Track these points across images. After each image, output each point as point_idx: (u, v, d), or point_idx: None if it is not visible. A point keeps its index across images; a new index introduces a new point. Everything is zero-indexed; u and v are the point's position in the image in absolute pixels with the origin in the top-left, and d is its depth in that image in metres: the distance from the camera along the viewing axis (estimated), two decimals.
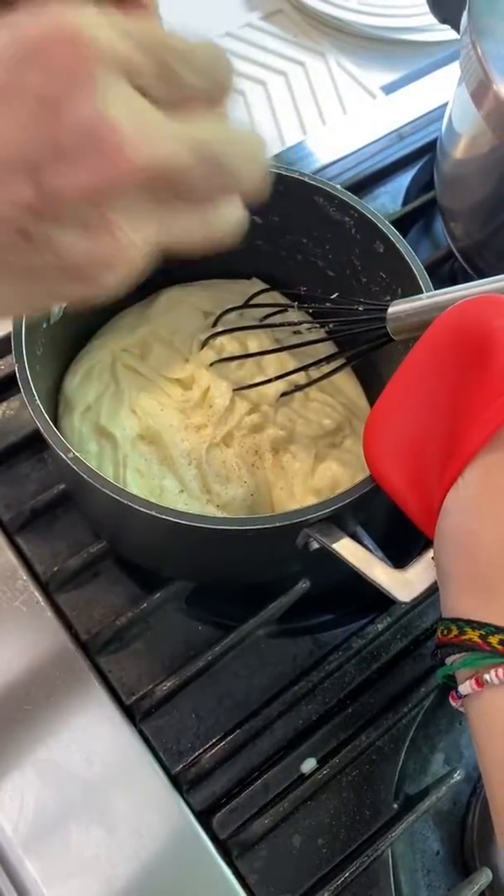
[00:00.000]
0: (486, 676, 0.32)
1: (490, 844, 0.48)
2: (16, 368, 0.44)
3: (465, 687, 0.33)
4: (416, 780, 0.51)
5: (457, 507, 0.35)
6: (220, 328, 0.57)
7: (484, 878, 0.46)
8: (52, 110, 0.23)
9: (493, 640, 0.32)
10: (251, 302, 0.58)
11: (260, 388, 0.54)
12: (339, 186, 0.52)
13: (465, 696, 0.34)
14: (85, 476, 0.41)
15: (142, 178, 0.24)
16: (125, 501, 0.40)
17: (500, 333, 0.35)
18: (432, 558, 0.39)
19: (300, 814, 0.49)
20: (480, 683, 0.33)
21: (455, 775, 0.50)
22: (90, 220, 0.24)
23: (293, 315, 0.58)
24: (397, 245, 0.50)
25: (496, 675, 0.32)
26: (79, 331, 0.57)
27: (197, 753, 0.50)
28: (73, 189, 0.24)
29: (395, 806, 0.50)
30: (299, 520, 0.41)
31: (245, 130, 0.27)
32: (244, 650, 0.53)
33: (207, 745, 0.50)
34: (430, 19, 0.62)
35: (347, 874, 0.46)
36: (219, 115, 0.27)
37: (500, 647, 0.32)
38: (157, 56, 0.25)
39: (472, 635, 0.33)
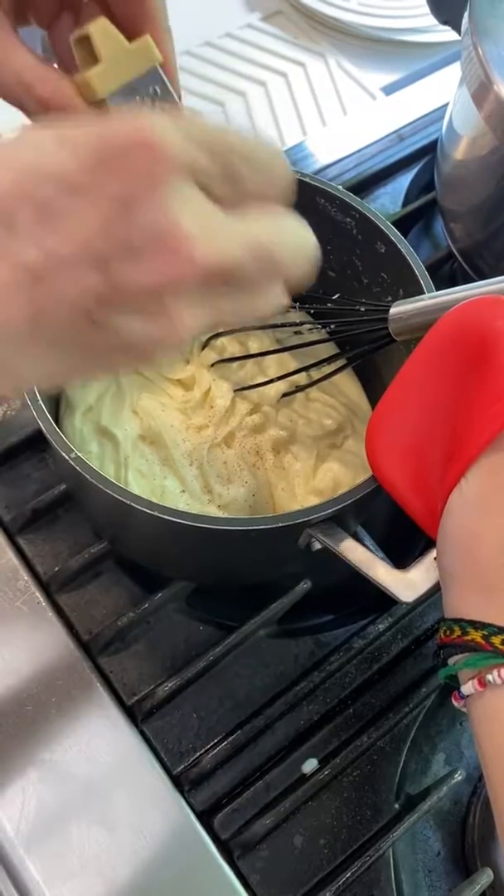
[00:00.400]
0: (489, 677, 0.32)
1: (491, 844, 0.48)
2: None
3: (467, 687, 0.33)
4: (417, 780, 0.51)
5: (460, 508, 0.35)
6: (220, 329, 0.57)
7: (485, 877, 0.47)
8: (126, 211, 0.25)
9: (496, 640, 0.32)
10: None
11: (261, 388, 0.54)
12: (340, 187, 0.52)
13: (468, 696, 0.34)
14: (87, 476, 0.41)
15: (203, 275, 0.26)
16: (127, 501, 0.40)
17: (500, 334, 0.35)
18: (435, 559, 0.39)
19: (301, 814, 0.49)
20: (483, 684, 0.33)
21: (456, 775, 0.50)
22: (151, 307, 0.26)
23: (294, 316, 0.58)
24: (399, 246, 0.50)
25: (499, 676, 0.32)
26: None
27: (198, 754, 0.50)
28: (139, 283, 0.25)
29: (397, 806, 0.50)
30: (302, 520, 0.41)
31: (295, 225, 0.30)
32: (245, 651, 0.53)
33: (209, 746, 0.50)
34: (431, 20, 0.62)
35: (349, 874, 0.46)
36: (272, 209, 0.30)
37: (502, 647, 0.32)
38: (222, 158, 0.27)
39: (475, 636, 0.33)
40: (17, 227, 0.24)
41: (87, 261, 0.25)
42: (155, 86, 0.37)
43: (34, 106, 0.36)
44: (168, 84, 0.37)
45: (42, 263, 0.24)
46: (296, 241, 0.30)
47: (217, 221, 0.27)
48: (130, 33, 0.36)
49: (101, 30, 0.35)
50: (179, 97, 0.38)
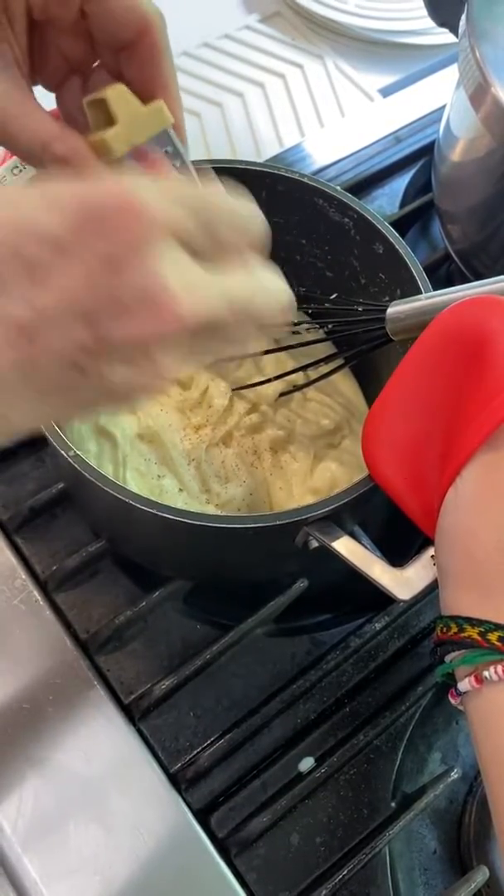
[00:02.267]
0: (486, 673, 0.32)
1: (487, 842, 0.49)
2: None
3: (464, 684, 0.34)
4: (414, 778, 0.51)
5: (456, 506, 0.35)
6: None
7: (481, 875, 0.47)
8: (112, 269, 0.26)
9: (493, 636, 0.32)
10: None
11: (259, 388, 0.55)
12: (338, 188, 0.53)
13: (465, 693, 0.34)
14: (86, 474, 0.41)
15: (187, 330, 0.27)
16: (125, 500, 0.41)
17: (495, 334, 0.36)
18: (431, 557, 0.40)
19: (298, 812, 0.49)
20: (480, 680, 0.33)
21: (452, 774, 0.50)
22: (136, 357, 0.27)
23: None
24: (396, 246, 0.50)
25: (495, 672, 0.32)
26: None
27: (195, 752, 0.50)
28: (125, 337, 0.27)
29: (393, 804, 0.50)
30: (299, 518, 0.42)
31: (270, 277, 0.32)
32: (242, 649, 0.53)
33: (206, 744, 0.50)
34: (428, 22, 0.63)
35: (345, 872, 0.46)
36: (248, 261, 0.31)
37: (499, 643, 0.32)
38: (203, 218, 0.29)
39: (472, 632, 0.33)
40: (7, 285, 0.25)
41: (76, 316, 0.26)
42: (167, 146, 0.39)
43: (52, 164, 0.37)
44: (178, 144, 0.40)
45: (32, 320, 0.25)
46: (270, 293, 0.31)
47: (198, 279, 0.28)
48: (143, 96, 0.38)
49: (118, 94, 0.37)
50: (188, 156, 0.41)
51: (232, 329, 0.30)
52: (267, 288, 0.32)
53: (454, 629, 0.34)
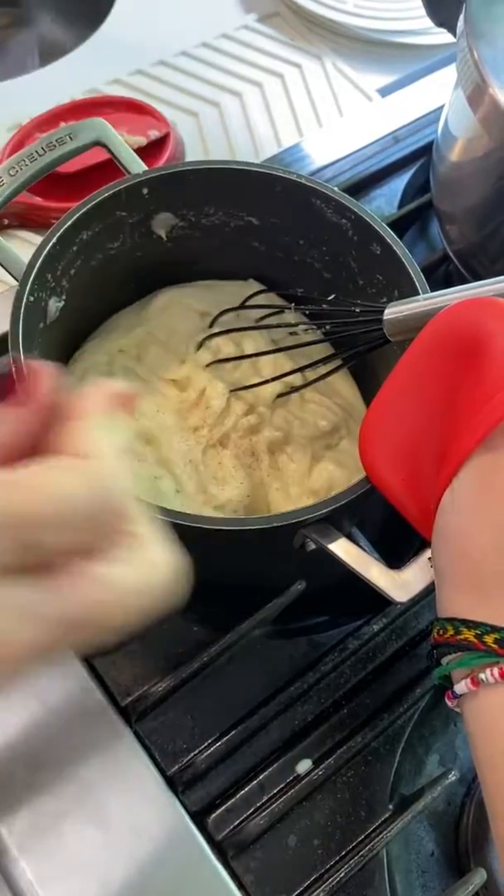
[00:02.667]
0: (482, 676, 0.32)
1: (485, 844, 0.49)
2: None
3: (460, 687, 0.34)
4: (411, 780, 0.51)
5: (452, 508, 0.35)
6: (216, 329, 0.57)
7: (478, 878, 0.47)
8: None
9: (489, 639, 0.32)
10: (248, 303, 0.58)
11: (256, 389, 0.55)
12: (336, 189, 0.52)
13: (461, 695, 0.34)
14: None
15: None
16: None
17: (492, 335, 0.36)
18: (429, 559, 0.40)
19: (295, 814, 0.49)
20: (476, 683, 0.33)
21: (450, 776, 0.50)
22: None
23: (290, 316, 0.58)
24: (394, 247, 0.50)
25: (492, 675, 0.32)
26: (75, 332, 0.57)
27: (192, 754, 0.50)
28: None
29: (390, 806, 0.50)
30: (296, 520, 0.41)
31: (128, 571, 0.25)
32: (240, 651, 0.53)
33: (203, 746, 0.50)
34: (427, 22, 0.62)
35: (342, 874, 0.46)
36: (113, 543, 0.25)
37: (495, 646, 0.32)
38: (12, 534, 0.23)
39: (468, 635, 0.33)
40: None
41: None
42: None
43: None
44: None
45: None
46: (123, 593, 0.25)
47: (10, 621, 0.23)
48: None
49: None
50: None
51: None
52: (115, 588, 0.25)
53: (450, 631, 0.33)
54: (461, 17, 0.54)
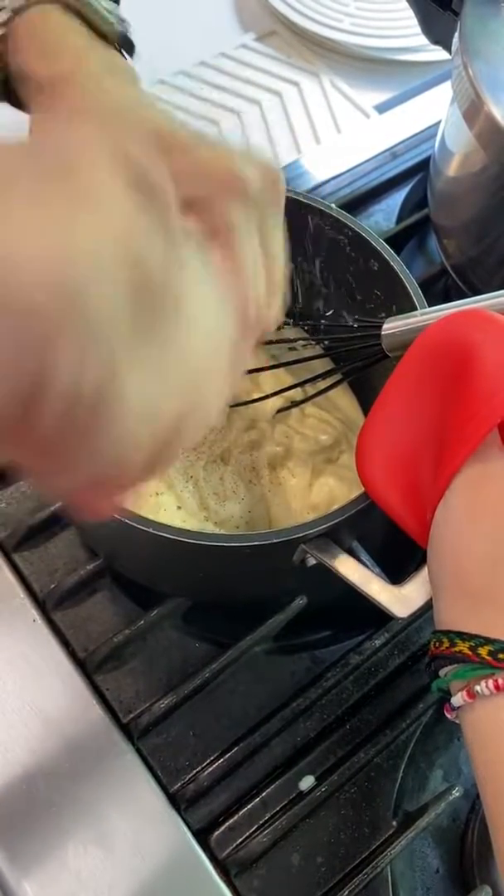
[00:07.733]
0: (478, 688, 0.32)
1: (490, 861, 0.48)
2: None
3: (457, 699, 0.33)
4: (415, 796, 0.51)
5: (445, 520, 0.35)
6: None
7: (484, 895, 0.46)
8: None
9: (483, 650, 0.32)
10: None
11: (256, 404, 0.55)
12: (333, 205, 0.53)
13: (459, 707, 0.34)
14: None
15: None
16: (123, 518, 0.40)
17: (479, 347, 0.36)
18: None
19: (299, 831, 0.48)
20: (472, 695, 0.33)
21: (454, 792, 0.49)
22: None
23: (289, 332, 0.58)
24: (392, 263, 0.50)
25: (486, 686, 0.32)
26: None
27: (195, 771, 0.50)
28: None
29: (394, 823, 0.49)
30: (296, 536, 0.41)
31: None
32: (241, 667, 0.53)
33: (205, 763, 0.50)
34: (423, 40, 0.63)
35: (347, 892, 0.46)
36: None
37: (489, 658, 0.32)
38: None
39: (463, 647, 0.33)
40: None
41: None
42: None
43: None
44: None
45: None
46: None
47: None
48: None
49: None
50: None
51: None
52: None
53: (446, 644, 0.33)
54: (456, 35, 0.55)
